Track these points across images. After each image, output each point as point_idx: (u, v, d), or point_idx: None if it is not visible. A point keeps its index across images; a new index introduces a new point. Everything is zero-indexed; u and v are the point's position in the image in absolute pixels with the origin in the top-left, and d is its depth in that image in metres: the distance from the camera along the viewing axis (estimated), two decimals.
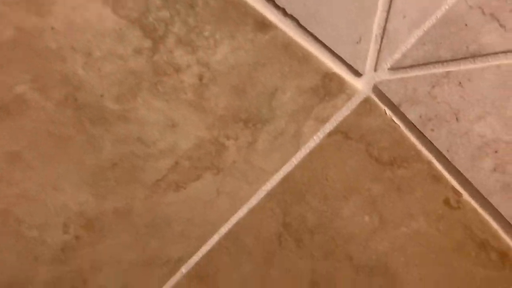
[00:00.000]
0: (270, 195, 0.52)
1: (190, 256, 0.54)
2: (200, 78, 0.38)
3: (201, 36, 0.36)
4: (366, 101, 0.48)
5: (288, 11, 0.38)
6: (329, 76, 0.45)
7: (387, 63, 0.47)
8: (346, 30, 0.43)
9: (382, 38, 0.45)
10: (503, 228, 0.35)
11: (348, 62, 0.45)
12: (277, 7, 0.37)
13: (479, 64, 0.40)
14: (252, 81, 0.41)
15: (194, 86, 0.38)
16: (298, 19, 0.39)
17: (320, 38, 0.42)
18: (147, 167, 0.42)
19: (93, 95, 0.35)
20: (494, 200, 0.36)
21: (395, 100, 0.45)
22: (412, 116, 0.43)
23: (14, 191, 0.38)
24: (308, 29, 0.40)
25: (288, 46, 0.40)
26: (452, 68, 0.42)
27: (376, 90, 0.47)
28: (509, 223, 0.35)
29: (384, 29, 0.45)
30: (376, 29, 0.45)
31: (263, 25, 0.38)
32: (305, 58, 0.42)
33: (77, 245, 0.45)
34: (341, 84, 0.47)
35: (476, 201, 0.37)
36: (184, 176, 0.46)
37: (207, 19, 0.35)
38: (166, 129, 0.40)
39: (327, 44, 0.42)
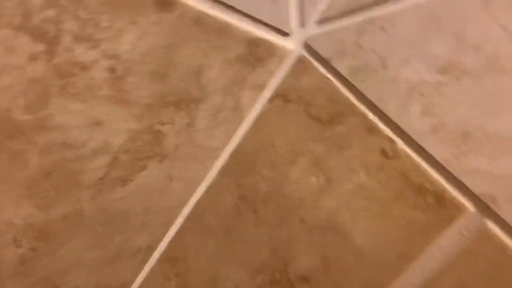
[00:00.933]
0: (222, 170, 0.51)
1: (158, 242, 0.55)
2: (112, 71, 0.36)
3: (99, 28, 0.34)
4: (299, 60, 0.46)
5: None
6: (255, 42, 0.44)
7: (314, 17, 0.45)
8: None
9: None
10: (437, 171, 0.35)
11: (270, 23, 0.43)
12: None
13: (399, 5, 0.39)
14: (171, 63, 0.40)
15: (108, 81, 0.37)
16: None
17: (233, 5, 0.39)
18: (84, 169, 0.41)
19: None
20: (426, 144, 0.36)
21: (326, 54, 0.44)
22: (342, 69, 0.42)
23: None
24: None
25: (200, 21, 0.38)
26: (375, 13, 0.40)
27: (307, 47, 0.46)
28: (442, 165, 0.35)
29: None
30: None
31: (166, 3, 0.36)
32: (223, 29, 0.41)
33: (36, 256, 0.44)
34: (270, 47, 0.45)
35: (410, 147, 0.37)
36: (127, 169, 0.45)
37: (101, 9, 0.33)
38: (92, 128, 0.39)
39: (242, 10, 0.40)
